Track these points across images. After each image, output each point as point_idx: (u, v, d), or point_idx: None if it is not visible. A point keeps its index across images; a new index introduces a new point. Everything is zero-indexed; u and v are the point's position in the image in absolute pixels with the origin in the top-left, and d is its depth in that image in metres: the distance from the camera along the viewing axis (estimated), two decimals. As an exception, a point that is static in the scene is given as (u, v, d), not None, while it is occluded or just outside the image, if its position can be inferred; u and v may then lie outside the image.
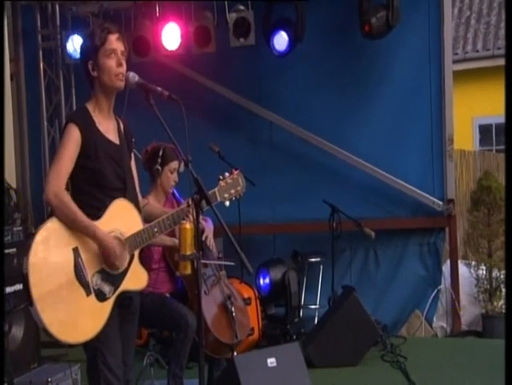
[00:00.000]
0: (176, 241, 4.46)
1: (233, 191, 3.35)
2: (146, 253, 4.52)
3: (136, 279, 3.14)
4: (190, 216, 3.21)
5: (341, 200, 6.31)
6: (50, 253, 2.91)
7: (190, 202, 3.18)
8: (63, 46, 7.32)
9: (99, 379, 3.05)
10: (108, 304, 3.01)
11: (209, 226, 4.77)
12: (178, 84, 6.92)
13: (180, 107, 3.12)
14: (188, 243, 3.81)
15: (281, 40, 6.65)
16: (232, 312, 4.60)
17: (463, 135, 10.64)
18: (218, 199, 3.30)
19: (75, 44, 7.20)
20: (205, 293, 4.62)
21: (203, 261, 4.59)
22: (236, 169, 6.18)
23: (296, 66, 6.93)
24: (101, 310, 2.99)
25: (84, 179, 3.05)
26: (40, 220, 3.85)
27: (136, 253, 3.14)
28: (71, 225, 2.96)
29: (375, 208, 6.82)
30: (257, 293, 5.93)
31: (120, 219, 3.09)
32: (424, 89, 6.73)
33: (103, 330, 2.97)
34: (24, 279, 2.85)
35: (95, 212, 3.03)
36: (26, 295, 2.87)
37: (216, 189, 3.32)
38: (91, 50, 3.13)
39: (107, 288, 3.01)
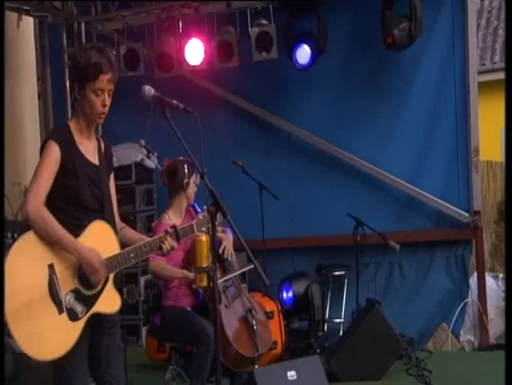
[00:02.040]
0: (187, 272, 4.50)
1: (210, 225, 3.33)
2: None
3: (110, 302, 3.14)
4: (166, 244, 3.26)
5: (365, 212, 6.28)
6: (25, 267, 2.91)
7: (169, 230, 3.29)
8: (89, 64, 7.40)
9: None
10: (80, 324, 3.01)
11: (228, 237, 4.77)
12: (201, 99, 7.02)
13: (196, 119, 3.13)
14: (203, 255, 3.81)
15: (303, 53, 6.67)
16: (253, 325, 4.59)
17: (490, 145, 10.50)
18: (195, 231, 3.42)
19: (99, 61, 7.29)
20: (225, 306, 4.63)
21: (224, 278, 4.65)
22: (260, 183, 6.27)
23: (318, 79, 6.93)
24: (72, 330, 2.99)
25: (62, 196, 3.08)
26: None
27: (111, 276, 3.13)
28: (51, 240, 2.97)
29: (400, 221, 6.76)
30: (280, 307, 5.91)
31: (98, 240, 3.10)
32: (449, 100, 6.66)
33: (71, 351, 2.96)
34: None
35: (73, 230, 3.02)
36: None
37: (194, 222, 3.44)
38: (79, 76, 3.12)
39: (79, 308, 3.01)
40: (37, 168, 3.04)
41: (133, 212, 7.10)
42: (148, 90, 3.30)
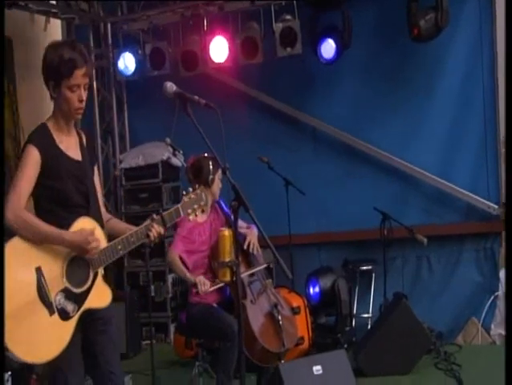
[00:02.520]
0: (189, 276, 4.51)
1: (196, 206, 3.34)
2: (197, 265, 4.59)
3: (100, 297, 3.14)
4: (153, 232, 3.20)
5: (392, 206, 6.24)
6: (12, 273, 2.92)
7: (154, 217, 3.24)
8: (115, 64, 7.49)
9: None
10: (72, 323, 3.03)
11: (253, 232, 4.78)
12: (227, 96, 7.05)
13: (218, 114, 3.14)
14: (226, 250, 3.86)
15: (328, 48, 6.65)
16: (279, 320, 4.58)
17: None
18: (182, 214, 3.30)
19: (126, 61, 7.38)
20: (251, 302, 4.63)
21: (249, 272, 4.65)
22: (285, 179, 6.28)
23: (343, 73, 6.90)
24: (65, 329, 3.01)
25: (47, 198, 3.09)
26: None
27: (100, 270, 3.14)
28: (37, 239, 2.99)
29: (427, 214, 6.69)
30: (306, 303, 5.89)
31: None
32: (477, 91, 6.57)
33: (65, 349, 2.98)
34: None
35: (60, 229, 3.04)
36: None
37: (179, 205, 3.32)
38: (54, 75, 3.07)
39: (70, 307, 3.03)
40: (16, 173, 3.06)
41: (160, 211, 7.09)
42: (170, 86, 3.30)
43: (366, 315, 6.54)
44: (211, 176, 4.73)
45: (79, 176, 3.14)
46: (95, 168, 3.35)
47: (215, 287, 4.48)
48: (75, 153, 3.18)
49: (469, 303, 6.49)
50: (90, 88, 7.44)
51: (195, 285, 4.43)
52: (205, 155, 4.75)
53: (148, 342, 5.65)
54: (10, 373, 4.36)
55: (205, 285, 4.41)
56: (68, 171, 3.11)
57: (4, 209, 2.97)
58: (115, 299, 6.72)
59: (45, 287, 2.97)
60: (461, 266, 6.64)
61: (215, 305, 4.68)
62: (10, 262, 2.93)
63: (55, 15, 7.61)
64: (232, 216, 4.60)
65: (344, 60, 6.67)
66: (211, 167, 4.73)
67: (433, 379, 5.30)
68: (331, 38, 6.60)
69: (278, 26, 6.70)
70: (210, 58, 6.98)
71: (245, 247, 4.71)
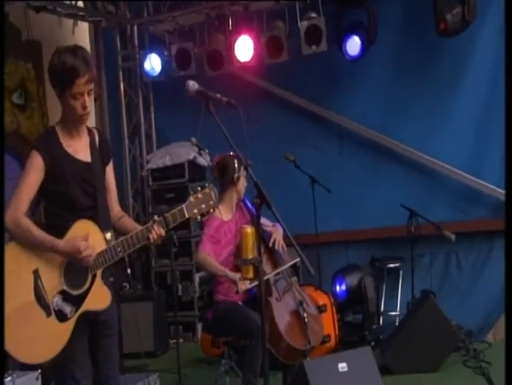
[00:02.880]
0: (230, 273, 4.52)
1: (203, 206, 3.16)
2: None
3: (99, 299, 3.11)
4: (153, 234, 3.11)
5: (419, 203, 6.19)
6: (10, 276, 2.97)
7: (156, 219, 3.13)
8: (141, 66, 7.55)
9: None
10: (70, 324, 3.04)
11: (278, 230, 4.77)
12: (252, 95, 7.08)
13: (239, 112, 3.15)
14: (249, 247, 3.86)
15: (353, 45, 6.62)
16: (304, 318, 4.56)
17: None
18: (186, 215, 3.14)
19: (152, 63, 7.44)
20: (276, 299, 4.62)
21: (275, 272, 4.65)
22: (311, 177, 6.26)
23: (369, 70, 6.86)
24: (62, 331, 3.02)
25: (54, 202, 3.12)
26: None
27: (99, 272, 3.11)
28: (31, 246, 3.02)
29: (455, 211, 6.61)
30: (333, 300, 5.87)
31: None
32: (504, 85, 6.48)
33: (70, 345, 3.02)
34: None
35: (63, 233, 3.05)
36: None
37: (184, 205, 3.16)
38: (57, 82, 3.08)
39: (68, 308, 3.04)
40: (19, 178, 3.10)
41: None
42: (192, 84, 3.32)
43: (393, 313, 6.50)
44: (236, 175, 4.73)
45: (86, 178, 3.16)
46: (110, 165, 3.35)
47: (254, 284, 4.46)
48: (84, 155, 3.19)
49: (499, 300, 6.37)
50: (117, 90, 7.76)
51: (235, 282, 4.40)
52: (230, 153, 4.75)
53: (176, 340, 5.68)
54: (39, 371, 4.41)
55: (244, 283, 4.40)
56: (75, 173, 3.13)
57: (5, 214, 3.02)
58: (143, 298, 6.83)
59: (41, 289, 3.00)
60: (491, 263, 6.53)
61: (240, 303, 4.68)
62: (8, 265, 2.98)
63: (83, 18, 7.70)
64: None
65: (370, 57, 6.63)
66: (236, 165, 4.73)
67: (462, 377, 5.24)
68: (357, 34, 6.57)
69: (303, 24, 6.70)
70: (235, 57, 7.01)
71: (270, 245, 4.71)
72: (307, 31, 6.68)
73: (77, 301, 3.06)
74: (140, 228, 3.16)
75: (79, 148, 3.19)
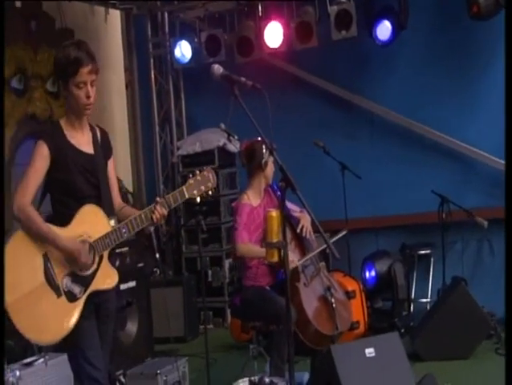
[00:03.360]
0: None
1: (202, 187, 3.35)
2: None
3: (107, 278, 3.26)
4: (156, 214, 3.25)
5: (450, 190, 6.13)
6: (21, 260, 3.12)
7: (158, 200, 3.27)
8: (172, 53, 7.57)
9: (81, 373, 3.20)
10: (79, 304, 3.18)
11: (306, 216, 4.74)
12: (282, 81, 7.07)
13: (264, 95, 3.15)
14: (274, 230, 3.83)
15: (384, 29, 6.57)
16: (332, 303, 4.54)
17: None
18: (186, 195, 3.32)
19: (182, 50, 7.46)
20: (304, 284, 4.61)
21: (304, 259, 4.64)
22: (341, 163, 6.23)
23: (400, 55, 6.81)
24: (72, 310, 3.16)
25: (59, 190, 3.25)
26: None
27: (106, 253, 3.25)
28: (35, 237, 3.15)
29: (488, 197, 6.51)
30: (362, 287, 5.84)
31: (88, 223, 3.23)
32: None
33: (80, 325, 3.15)
34: None
35: (69, 219, 3.20)
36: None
37: (184, 186, 3.34)
38: (62, 74, 3.23)
39: (77, 289, 3.17)
40: (26, 167, 3.22)
41: (217, 197, 7.20)
42: (217, 68, 3.33)
43: (424, 300, 6.44)
44: (263, 160, 4.73)
45: (89, 169, 3.29)
46: (111, 162, 3.47)
47: (306, 258, 4.55)
48: (87, 148, 3.32)
49: (532, 288, 6.30)
50: (148, 77, 7.81)
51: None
52: (258, 139, 4.74)
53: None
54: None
55: (293, 261, 4.43)
56: (78, 164, 3.26)
57: (13, 202, 3.15)
58: (173, 284, 6.89)
59: (51, 271, 3.14)
60: (525, 250, 6.44)
61: (268, 288, 4.69)
62: (20, 250, 3.13)
63: (114, 6, 7.75)
64: (285, 202, 4.66)
65: (401, 41, 6.58)
66: (264, 150, 4.73)
67: (493, 365, 5.16)
68: (387, 19, 6.51)
69: (333, 9, 6.65)
70: (265, 43, 7.00)
71: (298, 231, 4.70)
72: (337, 16, 6.63)
73: (85, 281, 3.20)
74: (139, 212, 3.31)
75: (83, 141, 3.33)
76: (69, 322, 3.13)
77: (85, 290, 3.18)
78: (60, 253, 3.15)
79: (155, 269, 6.73)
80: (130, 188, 7.71)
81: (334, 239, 4.72)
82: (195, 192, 3.33)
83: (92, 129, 3.40)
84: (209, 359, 4.91)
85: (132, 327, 5.65)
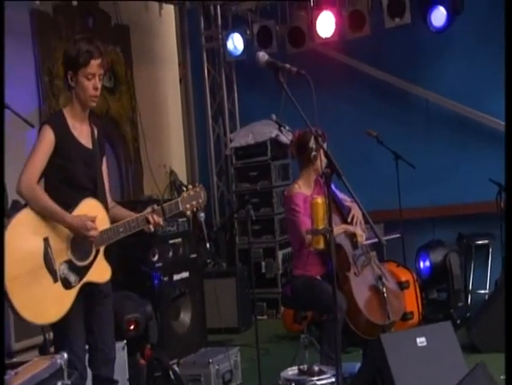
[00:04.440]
0: (346, 226, 4.54)
1: (194, 202, 3.49)
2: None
3: (100, 272, 3.38)
4: (151, 222, 3.37)
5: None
6: (22, 240, 3.18)
7: (155, 207, 3.38)
8: (224, 45, 7.61)
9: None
10: (73, 292, 3.27)
11: (357, 206, 4.69)
12: (335, 71, 7.03)
13: (309, 82, 3.13)
14: (319, 217, 3.80)
15: (439, 15, 6.45)
16: (383, 292, 4.48)
17: None
18: (180, 208, 3.45)
19: (235, 42, 7.49)
20: (355, 274, 4.57)
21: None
22: (395, 153, 6.14)
23: (456, 41, 6.66)
24: (66, 297, 3.25)
25: (57, 177, 3.34)
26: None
27: (102, 248, 3.36)
28: (43, 213, 3.23)
29: (549, 185, 6.31)
30: (416, 277, 5.74)
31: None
32: None
33: (68, 314, 3.24)
34: None
35: (66, 208, 3.27)
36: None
37: (179, 199, 3.47)
38: (72, 65, 3.34)
39: (72, 277, 3.27)
40: (32, 149, 3.31)
41: (269, 188, 7.22)
42: (262, 55, 3.35)
43: (482, 291, 6.31)
44: (313, 153, 4.66)
45: (87, 162, 3.40)
46: (104, 160, 3.57)
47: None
48: (86, 141, 3.44)
49: None
50: (201, 70, 7.86)
51: (355, 235, 4.51)
52: (310, 130, 4.69)
53: (260, 317, 5.74)
54: (125, 342, 4.55)
55: (362, 236, 4.51)
56: (78, 155, 3.37)
57: (18, 181, 3.23)
58: (226, 275, 6.94)
59: (51, 256, 3.21)
60: None
61: (319, 277, 4.66)
62: (22, 230, 3.20)
63: (168, 1, 7.83)
64: (336, 192, 4.62)
65: (456, 27, 6.45)
66: (314, 144, 4.67)
67: (553, 357, 5.00)
68: (442, 4, 6.39)
69: (386, -4, 6.56)
70: (317, 33, 6.96)
71: (348, 220, 4.65)
72: (390, 3, 6.56)
73: (81, 271, 3.30)
74: (135, 215, 3.43)
75: (83, 134, 3.44)
76: (62, 308, 3.22)
77: (80, 280, 3.28)
78: (61, 240, 3.24)
79: (208, 260, 6.79)
80: (184, 181, 7.78)
81: (386, 238, 4.68)
82: (187, 206, 3.47)
83: (91, 125, 3.49)
84: (261, 349, 4.91)
85: (185, 317, 5.70)
